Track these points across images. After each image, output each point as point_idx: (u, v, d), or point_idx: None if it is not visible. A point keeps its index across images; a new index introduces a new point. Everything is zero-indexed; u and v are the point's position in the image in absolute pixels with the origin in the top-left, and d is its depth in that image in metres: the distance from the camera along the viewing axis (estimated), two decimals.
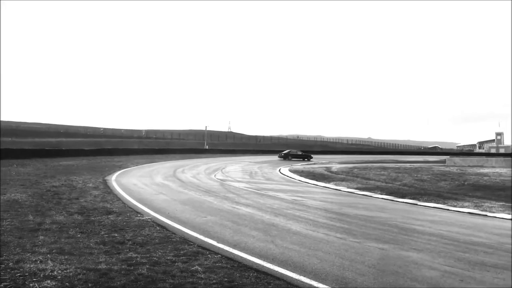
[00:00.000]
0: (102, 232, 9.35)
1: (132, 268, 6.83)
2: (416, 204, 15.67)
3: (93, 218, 10.89)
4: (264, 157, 65.07)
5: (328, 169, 36.00)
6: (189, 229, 10.06)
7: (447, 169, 36.69)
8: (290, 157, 59.61)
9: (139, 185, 20.02)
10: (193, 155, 63.72)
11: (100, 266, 6.82)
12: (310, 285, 6.40)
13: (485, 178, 27.21)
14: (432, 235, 10.09)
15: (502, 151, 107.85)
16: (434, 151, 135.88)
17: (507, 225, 11.81)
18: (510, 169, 38.00)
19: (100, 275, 6.41)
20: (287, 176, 28.39)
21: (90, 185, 18.84)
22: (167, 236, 9.27)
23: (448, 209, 14.56)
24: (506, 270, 7.26)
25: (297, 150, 66.27)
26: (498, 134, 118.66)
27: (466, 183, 23.83)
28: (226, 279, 6.47)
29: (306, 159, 59.53)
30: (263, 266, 7.24)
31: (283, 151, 64.90)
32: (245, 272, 6.88)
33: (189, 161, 44.74)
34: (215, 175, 27.15)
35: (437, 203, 15.93)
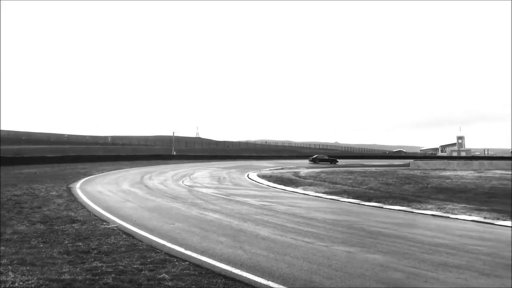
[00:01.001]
0: (66, 242, 9.12)
1: (97, 277, 6.68)
2: (382, 207, 15.96)
3: (56, 227, 10.61)
4: (233, 162, 64.98)
5: (296, 174, 36.24)
6: (156, 236, 9.93)
7: (411, 172, 37.53)
8: (318, 161, 66.30)
9: (105, 192, 19.65)
10: (161, 161, 62.98)
11: (63, 277, 6.64)
12: None
13: (447, 180, 27.96)
14: (397, 237, 10.29)
15: (463, 154, 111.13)
16: (398, 155, 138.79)
17: (469, 226, 12.16)
18: (471, 171, 39.20)
19: (63, 286, 6.25)
20: (256, 182, 28.41)
21: (54, 193, 18.36)
22: (134, 244, 9.12)
23: (412, 212, 14.89)
24: (467, 270, 7.46)
25: (324, 155, 74.80)
26: (459, 138, 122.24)
27: (429, 186, 24.43)
28: (193, 286, 6.41)
29: (332, 163, 65.74)
30: (231, 272, 7.21)
31: (313, 156, 72.78)
32: (213, 278, 6.84)
33: (156, 168, 44.21)
34: (183, 181, 26.92)
35: (402, 206, 16.26)
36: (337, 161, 68.46)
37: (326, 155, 73.58)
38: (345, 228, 11.45)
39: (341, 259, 8.10)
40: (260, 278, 6.87)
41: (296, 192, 21.59)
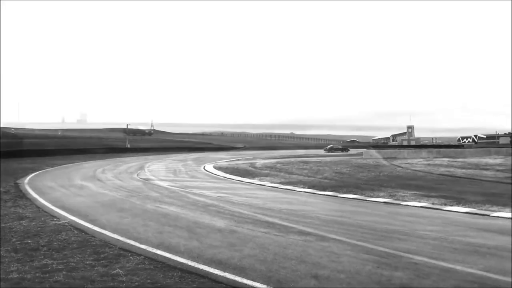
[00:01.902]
0: (14, 239, 8.78)
1: (47, 275, 6.47)
2: (336, 196, 16.27)
3: (3, 225, 10.19)
4: (189, 155, 64.48)
5: (252, 164, 36.37)
6: (110, 231, 9.71)
7: (364, 161, 38.46)
8: (333, 150, 73.13)
9: (55, 187, 19.03)
10: (115, 154, 61.67)
11: (11, 276, 6.40)
12: (235, 280, 6.42)
13: (398, 169, 28.85)
14: (351, 225, 10.52)
15: (413, 143, 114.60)
16: (352, 144, 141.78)
17: (419, 212, 12.59)
18: (420, 159, 40.59)
19: (11, 285, 6.01)
20: (212, 173, 28.31)
21: (0, 189, 17.62)
22: (86, 239, 8.88)
23: (365, 200, 15.26)
24: (417, 255, 7.72)
25: (338, 144, 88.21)
26: (409, 127, 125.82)
27: (381, 174, 25.12)
28: (149, 281, 6.32)
29: (344, 151, 72.74)
30: (187, 265, 7.15)
31: (328, 145, 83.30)
32: (169, 272, 6.77)
33: (110, 161, 43.25)
34: (137, 175, 26.45)
35: (356, 194, 16.63)
36: (349, 150, 75.61)
37: (340, 145, 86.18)
38: (301, 217, 11.59)
39: (296, 248, 8.20)
40: (216, 270, 6.85)
41: (253, 183, 21.66)
